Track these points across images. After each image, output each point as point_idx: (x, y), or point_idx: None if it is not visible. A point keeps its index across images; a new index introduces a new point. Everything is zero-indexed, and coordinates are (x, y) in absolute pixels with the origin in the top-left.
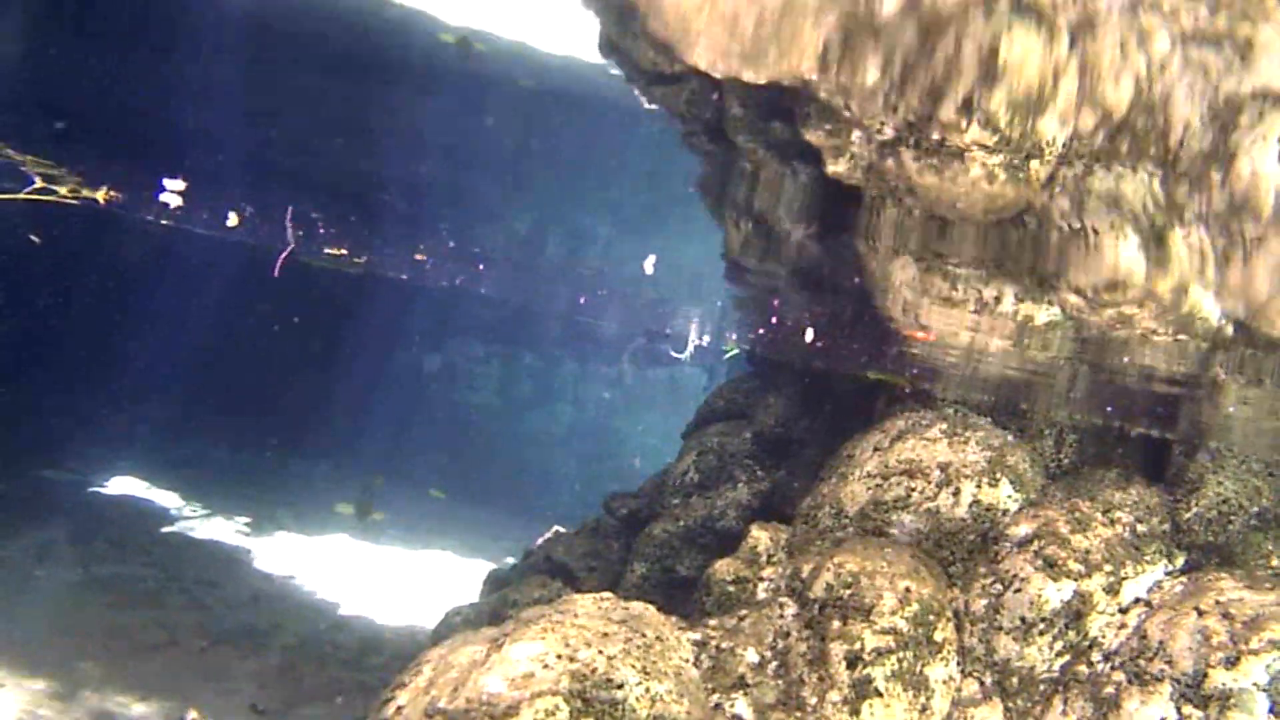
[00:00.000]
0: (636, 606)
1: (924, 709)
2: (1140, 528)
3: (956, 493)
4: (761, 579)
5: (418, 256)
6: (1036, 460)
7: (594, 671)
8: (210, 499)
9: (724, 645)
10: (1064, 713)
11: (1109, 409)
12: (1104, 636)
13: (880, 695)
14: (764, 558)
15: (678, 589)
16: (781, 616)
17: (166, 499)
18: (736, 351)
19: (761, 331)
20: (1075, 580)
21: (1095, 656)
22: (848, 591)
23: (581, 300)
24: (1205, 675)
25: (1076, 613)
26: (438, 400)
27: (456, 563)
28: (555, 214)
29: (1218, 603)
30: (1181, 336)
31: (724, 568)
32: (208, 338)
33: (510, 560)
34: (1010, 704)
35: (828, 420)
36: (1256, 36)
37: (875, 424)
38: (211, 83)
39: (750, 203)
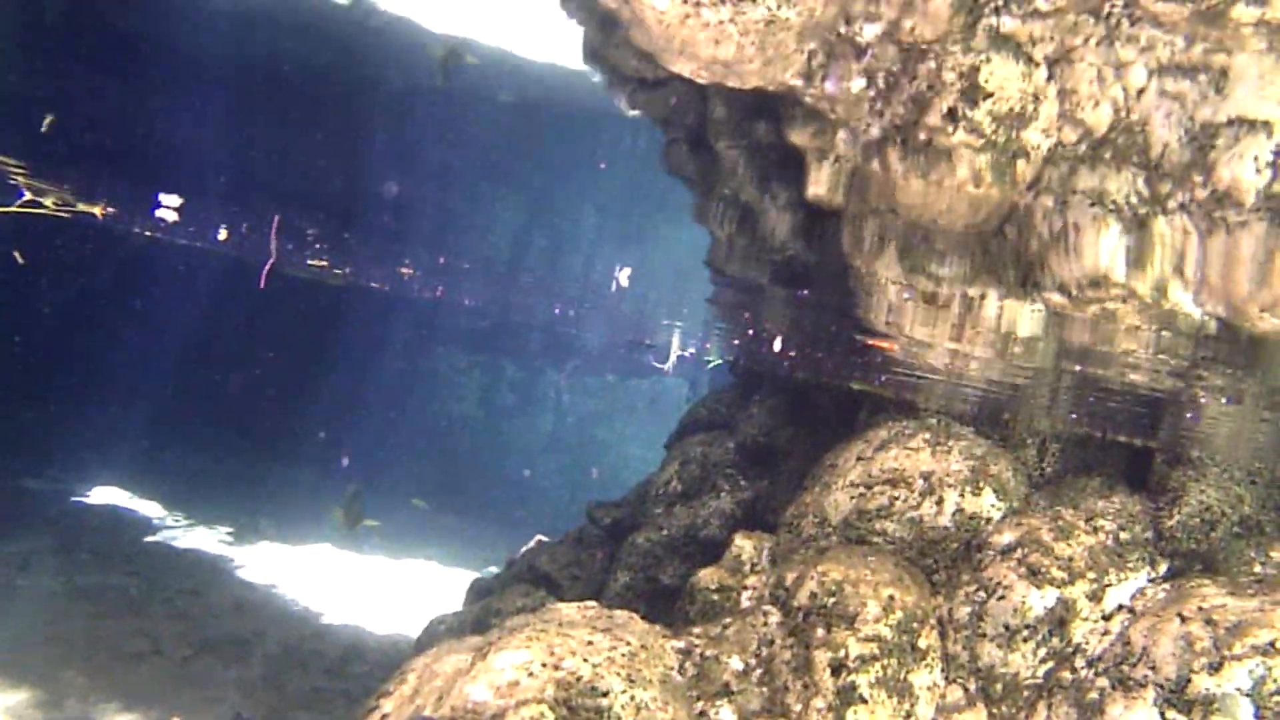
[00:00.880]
0: (621, 615)
1: (908, 715)
2: (1123, 535)
3: (940, 501)
4: (746, 587)
5: (404, 270)
6: (1020, 469)
7: (579, 679)
8: (193, 508)
9: (708, 653)
10: (1048, 719)
11: (1091, 418)
12: (1088, 643)
13: (865, 702)
14: (748, 566)
15: (661, 598)
16: (766, 624)
17: (149, 509)
18: (719, 362)
19: (741, 342)
20: (1059, 587)
21: (1079, 662)
22: (832, 599)
23: (556, 310)
24: (1189, 681)
25: (1060, 619)
26: (421, 410)
27: (439, 572)
28: (539, 223)
29: (1201, 609)
30: (1165, 333)
31: (708, 576)
32: (191, 348)
33: (493, 569)
34: (994, 710)
35: (810, 430)
36: (1232, 65)
37: (858, 433)
38: (198, 101)
39: (735, 207)
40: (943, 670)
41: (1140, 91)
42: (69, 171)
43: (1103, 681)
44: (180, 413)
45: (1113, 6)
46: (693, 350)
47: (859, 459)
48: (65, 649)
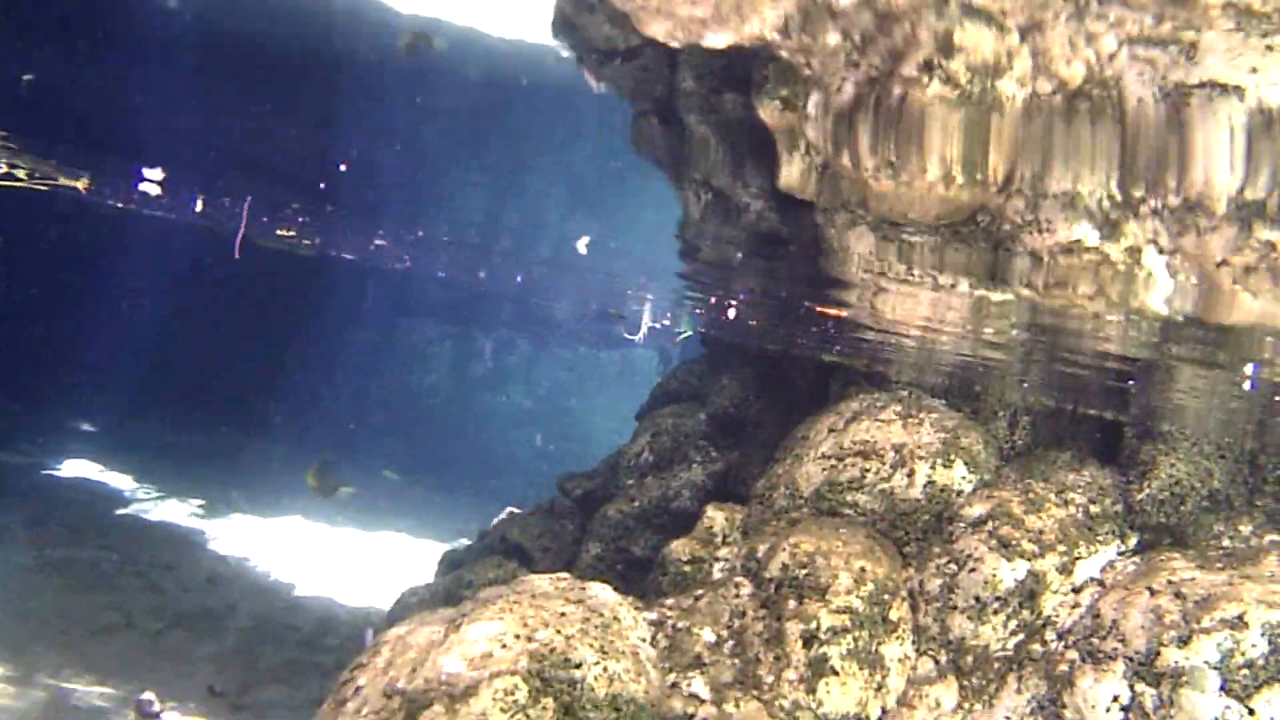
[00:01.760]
0: (593, 586)
1: (879, 687)
2: (1093, 508)
3: (911, 474)
4: (717, 559)
5: (378, 242)
6: (990, 442)
7: (552, 651)
8: (165, 481)
9: (680, 625)
10: (1018, 690)
11: (1060, 391)
12: (1058, 615)
13: (836, 673)
14: (719, 538)
15: (633, 569)
16: (738, 596)
17: (120, 481)
18: (690, 333)
19: (712, 312)
20: (1029, 560)
21: (1049, 635)
22: (803, 571)
23: (519, 279)
24: (1158, 653)
25: (1030, 592)
26: (392, 381)
27: (411, 544)
28: (510, 196)
29: (1170, 582)
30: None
31: (680, 548)
32: (162, 320)
33: (465, 541)
34: (965, 682)
35: (782, 402)
36: (1201, 40)
37: (830, 406)
38: (168, 77)
39: (707, 190)
40: (914, 642)
41: (1112, 56)
42: (37, 143)
43: (1073, 654)
44: (151, 385)
45: None
46: (665, 322)
47: (830, 431)
48: (36, 623)
